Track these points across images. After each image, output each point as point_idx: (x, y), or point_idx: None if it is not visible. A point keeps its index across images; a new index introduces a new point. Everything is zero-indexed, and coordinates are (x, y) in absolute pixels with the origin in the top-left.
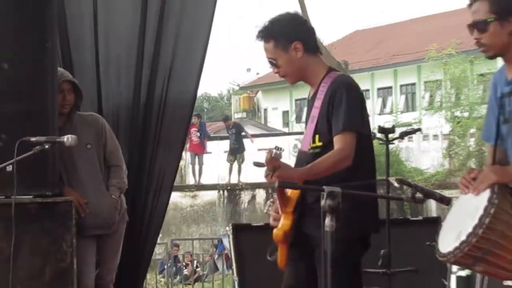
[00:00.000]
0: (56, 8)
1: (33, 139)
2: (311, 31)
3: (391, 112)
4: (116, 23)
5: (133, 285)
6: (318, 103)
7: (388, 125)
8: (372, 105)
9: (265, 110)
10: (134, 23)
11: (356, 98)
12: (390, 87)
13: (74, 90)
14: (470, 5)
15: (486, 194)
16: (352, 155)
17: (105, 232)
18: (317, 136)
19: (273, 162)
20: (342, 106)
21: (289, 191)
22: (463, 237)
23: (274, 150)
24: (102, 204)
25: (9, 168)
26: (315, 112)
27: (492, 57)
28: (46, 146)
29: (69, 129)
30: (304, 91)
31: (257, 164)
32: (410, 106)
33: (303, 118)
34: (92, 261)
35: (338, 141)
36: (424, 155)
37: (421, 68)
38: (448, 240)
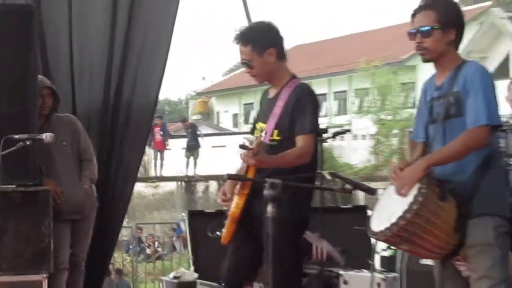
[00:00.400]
0: (37, 22)
1: (16, 136)
2: (283, 40)
3: (326, 115)
4: (88, 35)
5: (102, 263)
6: (280, 103)
7: (322, 127)
8: None
9: (218, 113)
10: (105, 35)
11: (317, 105)
12: (325, 94)
13: (52, 95)
14: (414, 15)
15: (417, 184)
16: (311, 153)
17: (78, 217)
18: (276, 131)
19: (258, 147)
20: (308, 111)
21: (250, 174)
22: (394, 220)
23: (259, 138)
24: (76, 193)
25: None
26: (277, 110)
27: (428, 61)
28: (28, 143)
29: (48, 129)
30: (250, 97)
31: (242, 147)
32: (342, 110)
33: (251, 119)
34: (67, 242)
35: (303, 140)
36: (353, 152)
37: (352, 77)
38: (380, 220)
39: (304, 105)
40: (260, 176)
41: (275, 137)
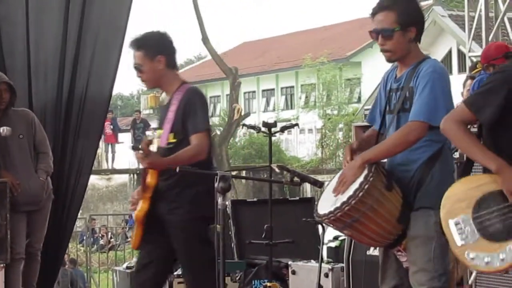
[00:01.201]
0: None
1: None
2: (174, 50)
3: (273, 110)
4: (43, 33)
5: (57, 253)
6: (173, 108)
7: (271, 121)
8: (258, 104)
9: None
10: (58, 33)
11: (206, 105)
12: (273, 89)
13: (9, 90)
14: (374, 14)
15: (365, 171)
16: (206, 150)
17: (34, 208)
18: (171, 135)
19: (146, 148)
20: (198, 111)
21: (148, 179)
22: (338, 204)
23: (149, 137)
24: (32, 185)
25: None
26: (171, 115)
27: (394, 61)
28: None
29: (5, 122)
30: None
31: (134, 148)
32: (289, 105)
33: None
34: (23, 232)
35: (196, 139)
36: (301, 146)
37: (299, 73)
38: (326, 204)
39: (194, 106)
40: (163, 177)
41: (171, 140)
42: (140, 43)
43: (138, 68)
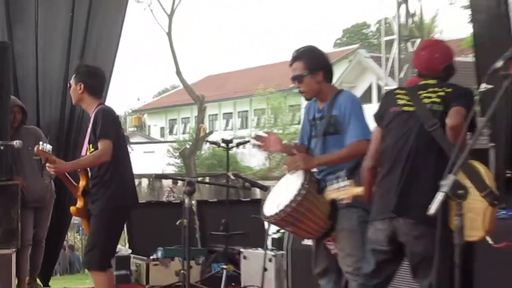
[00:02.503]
0: (11, 55)
1: None
2: (96, 79)
3: (231, 129)
4: (50, 66)
5: (58, 240)
6: (90, 125)
7: (229, 138)
8: (219, 124)
9: (149, 126)
10: (62, 66)
11: (107, 117)
12: (231, 113)
13: (21, 112)
14: (291, 64)
15: (301, 179)
16: (107, 153)
17: (39, 205)
18: (90, 146)
19: (44, 154)
20: (102, 122)
21: (81, 179)
22: (281, 207)
23: (41, 146)
24: (38, 187)
25: None
26: (89, 130)
27: (309, 99)
28: (2, 148)
29: (17, 137)
30: (174, 114)
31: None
32: (244, 125)
33: (174, 131)
34: (30, 224)
35: (101, 144)
36: (252, 158)
37: (252, 100)
38: (271, 207)
39: (98, 119)
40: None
41: (91, 149)
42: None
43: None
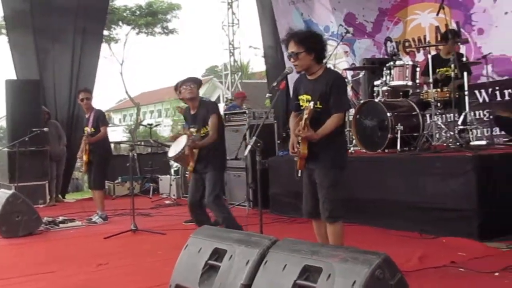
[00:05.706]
0: (41, 88)
1: (34, 129)
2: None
3: (154, 119)
4: (61, 92)
5: (68, 175)
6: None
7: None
8: (148, 116)
9: (113, 118)
10: (67, 89)
11: (103, 115)
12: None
13: (47, 114)
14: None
15: (185, 141)
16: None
17: (58, 159)
18: (92, 128)
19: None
20: (101, 117)
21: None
22: (175, 153)
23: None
24: (57, 150)
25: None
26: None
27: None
28: (39, 131)
29: (46, 126)
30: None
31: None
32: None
33: (125, 121)
34: (54, 168)
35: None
36: (164, 131)
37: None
38: (172, 153)
39: (101, 115)
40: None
41: (93, 130)
42: None
43: None
